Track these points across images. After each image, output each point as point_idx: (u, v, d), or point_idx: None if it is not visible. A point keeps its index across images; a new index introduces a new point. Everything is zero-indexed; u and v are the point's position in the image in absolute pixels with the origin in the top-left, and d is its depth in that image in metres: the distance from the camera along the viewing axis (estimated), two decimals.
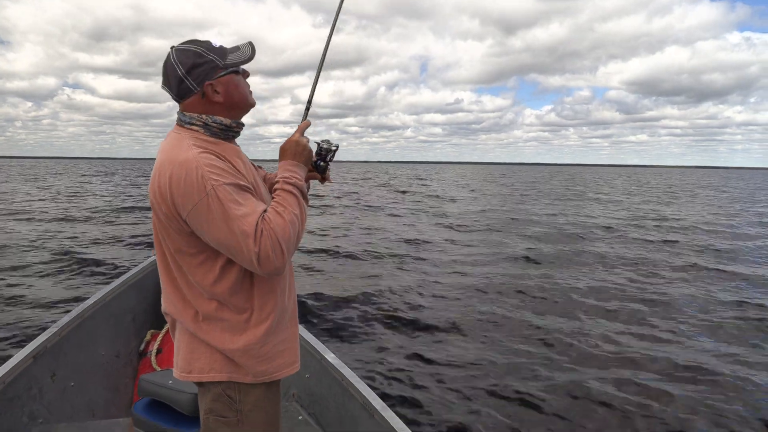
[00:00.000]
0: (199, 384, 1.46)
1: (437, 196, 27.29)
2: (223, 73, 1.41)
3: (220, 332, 1.40)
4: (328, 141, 1.60)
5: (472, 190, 33.92)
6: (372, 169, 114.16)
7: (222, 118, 1.43)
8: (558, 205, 21.72)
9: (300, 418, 2.75)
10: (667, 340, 5.07)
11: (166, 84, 1.42)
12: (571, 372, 4.24)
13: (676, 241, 11.48)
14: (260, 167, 1.71)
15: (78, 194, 24.93)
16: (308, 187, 1.73)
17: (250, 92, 1.50)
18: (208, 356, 1.41)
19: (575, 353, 4.63)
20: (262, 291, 1.42)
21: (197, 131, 1.40)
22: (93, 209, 17.23)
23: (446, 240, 11.18)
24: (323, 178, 1.63)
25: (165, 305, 1.47)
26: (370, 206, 19.81)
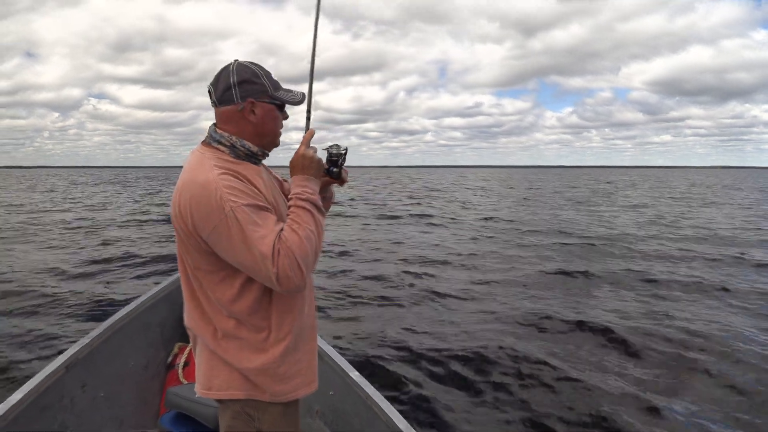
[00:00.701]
0: (219, 401, 1.48)
1: (459, 202, 26.97)
2: (267, 101, 1.46)
3: (238, 350, 1.41)
4: (337, 145, 1.60)
5: (496, 195, 33.45)
6: (392, 174, 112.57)
7: (250, 144, 1.46)
8: (581, 211, 21.09)
9: None
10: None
11: (214, 86, 1.46)
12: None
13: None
14: (286, 180, 1.72)
15: (103, 204, 25.37)
16: (332, 195, 1.74)
17: (280, 134, 1.54)
18: (227, 374, 1.43)
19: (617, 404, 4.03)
20: (280, 310, 1.43)
21: (222, 152, 1.44)
22: (111, 220, 17.46)
23: (471, 252, 10.72)
24: (341, 181, 1.64)
25: (186, 320, 1.50)
26: (388, 214, 19.47)
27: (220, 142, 1.44)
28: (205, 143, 1.47)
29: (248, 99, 1.43)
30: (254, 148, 1.47)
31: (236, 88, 1.43)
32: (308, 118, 1.64)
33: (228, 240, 1.29)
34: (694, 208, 22.16)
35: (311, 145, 1.53)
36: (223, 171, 1.35)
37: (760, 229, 14.72)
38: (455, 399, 4.03)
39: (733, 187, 46.68)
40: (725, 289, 7.43)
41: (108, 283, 7.75)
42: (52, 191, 37.91)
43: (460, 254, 10.45)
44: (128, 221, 16.65)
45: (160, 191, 36.83)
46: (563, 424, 3.70)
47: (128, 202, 26.26)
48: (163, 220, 16.45)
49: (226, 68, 1.46)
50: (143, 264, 9.25)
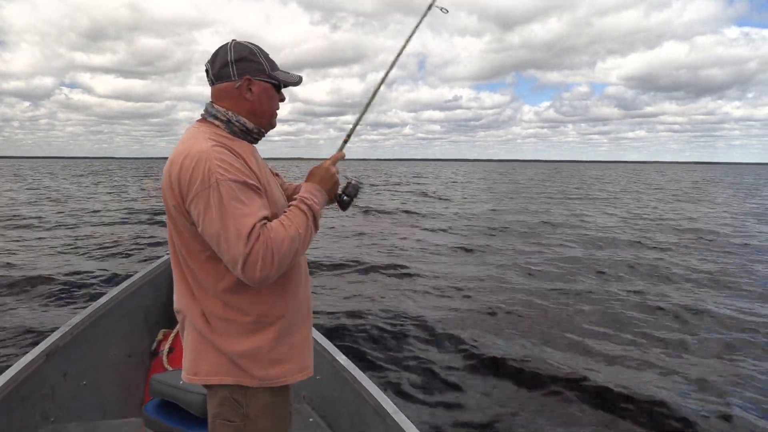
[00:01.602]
0: (207, 386, 1.45)
1: (438, 196, 26.92)
2: (265, 79, 1.47)
3: (226, 334, 1.38)
4: (356, 178, 1.68)
5: (476, 190, 33.47)
6: (371, 167, 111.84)
7: (246, 120, 1.46)
8: (553, 205, 21.19)
9: (311, 420, 2.75)
10: None
11: (211, 63, 1.46)
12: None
13: None
14: (278, 174, 1.73)
15: (83, 196, 24.76)
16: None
17: (277, 114, 1.56)
18: (215, 358, 1.40)
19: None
20: (270, 292, 1.40)
21: (218, 126, 1.43)
22: (94, 212, 17.11)
23: (455, 246, 10.71)
24: (343, 209, 1.70)
25: (176, 303, 1.47)
26: (372, 209, 19.07)
27: (216, 117, 1.44)
28: (201, 119, 1.47)
29: (245, 76, 1.43)
30: (250, 125, 1.46)
31: (233, 66, 1.43)
32: (345, 142, 1.70)
33: (205, 210, 1.26)
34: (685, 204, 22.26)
35: (337, 166, 1.59)
36: (217, 143, 1.34)
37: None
38: (444, 387, 4.09)
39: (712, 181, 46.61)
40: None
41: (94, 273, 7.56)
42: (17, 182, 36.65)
43: (441, 249, 10.39)
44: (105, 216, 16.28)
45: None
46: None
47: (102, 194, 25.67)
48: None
49: (223, 46, 1.46)
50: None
